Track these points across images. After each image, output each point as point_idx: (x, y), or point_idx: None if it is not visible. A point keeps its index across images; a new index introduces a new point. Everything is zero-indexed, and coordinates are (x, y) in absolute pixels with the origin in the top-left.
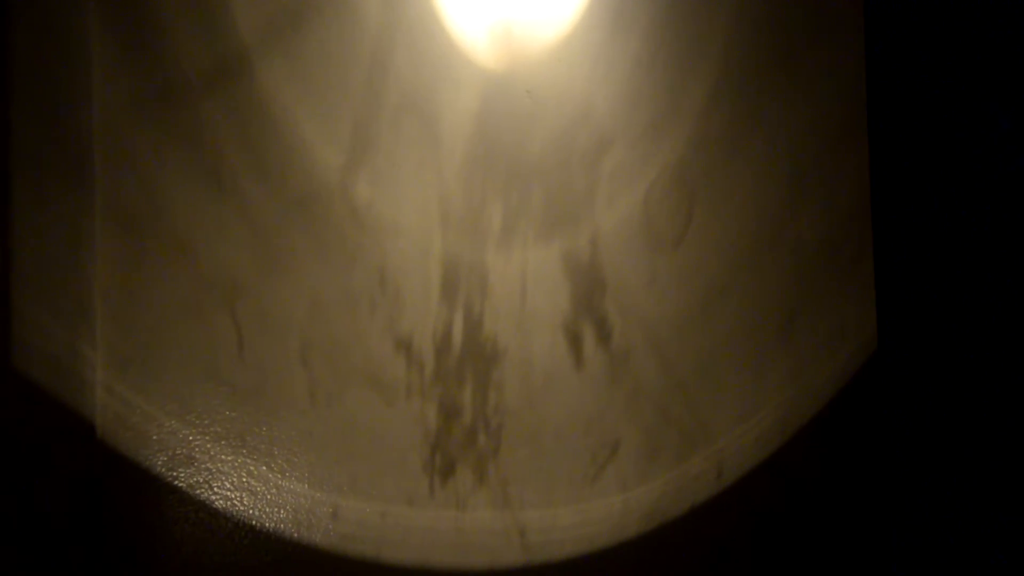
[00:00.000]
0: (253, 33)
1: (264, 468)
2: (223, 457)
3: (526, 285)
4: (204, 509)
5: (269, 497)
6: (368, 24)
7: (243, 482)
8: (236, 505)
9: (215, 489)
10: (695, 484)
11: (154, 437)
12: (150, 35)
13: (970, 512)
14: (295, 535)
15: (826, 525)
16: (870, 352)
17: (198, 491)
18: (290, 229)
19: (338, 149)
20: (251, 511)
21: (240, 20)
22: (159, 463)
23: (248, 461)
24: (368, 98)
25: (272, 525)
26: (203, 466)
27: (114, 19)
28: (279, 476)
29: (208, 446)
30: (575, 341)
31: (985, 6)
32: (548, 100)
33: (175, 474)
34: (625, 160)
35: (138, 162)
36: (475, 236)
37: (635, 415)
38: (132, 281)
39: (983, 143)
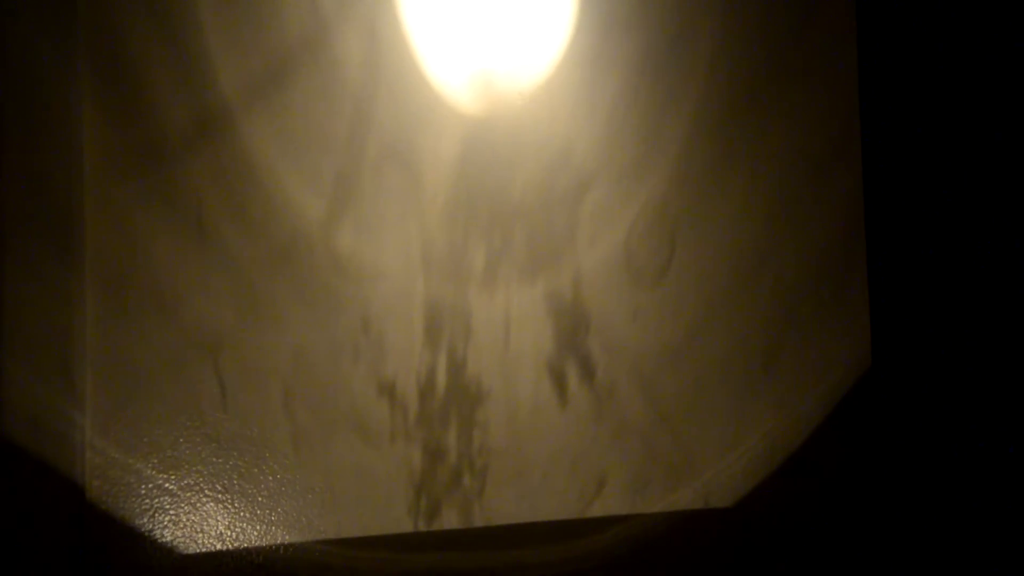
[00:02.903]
0: (236, 90)
1: (250, 517)
2: (209, 508)
3: (510, 326)
4: (193, 563)
5: (256, 546)
6: (349, 77)
7: (230, 532)
8: (224, 556)
9: (202, 541)
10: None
11: (142, 494)
12: (136, 96)
13: (964, 537)
14: None
15: (815, 554)
16: (855, 380)
17: (186, 544)
18: (273, 280)
19: (321, 200)
20: (239, 561)
21: (223, 78)
22: (147, 520)
23: (234, 511)
24: (350, 149)
25: (259, 574)
26: (189, 518)
27: (102, 81)
28: (265, 525)
29: (193, 498)
30: (559, 379)
31: (979, 40)
32: (529, 144)
33: (162, 529)
34: (606, 200)
35: (124, 220)
36: (458, 279)
37: (621, 450)
38: (116, 337)
39: (974, 168)
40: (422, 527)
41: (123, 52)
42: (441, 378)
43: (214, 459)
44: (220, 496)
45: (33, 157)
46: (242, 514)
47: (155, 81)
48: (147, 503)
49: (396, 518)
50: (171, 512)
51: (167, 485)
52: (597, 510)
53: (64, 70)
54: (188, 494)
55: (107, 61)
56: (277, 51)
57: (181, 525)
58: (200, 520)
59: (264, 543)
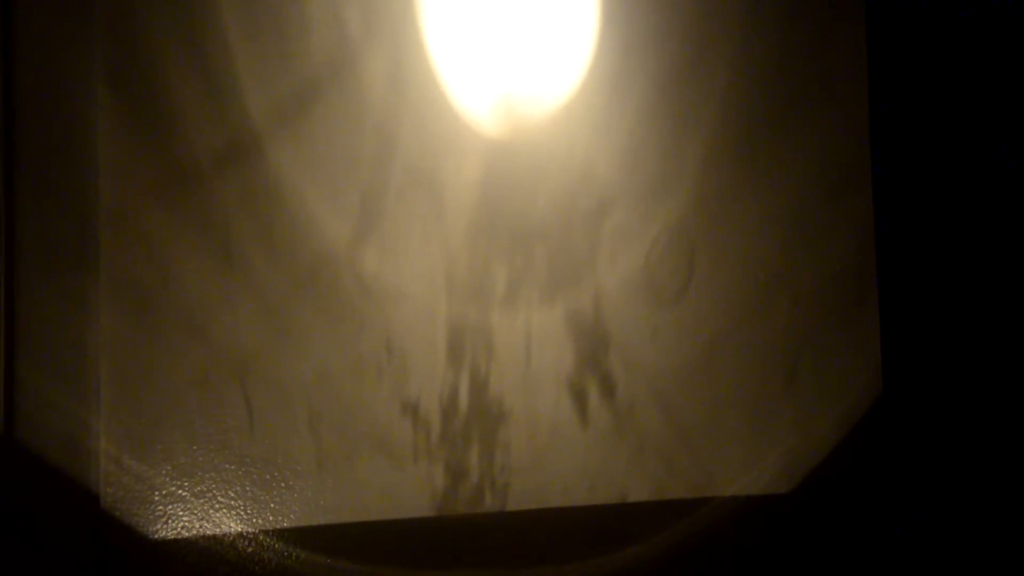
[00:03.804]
0: (263, 115)
1: (272, 537)
2: (231, 526)
3: (531, 345)
4: (206, 570)
5: (278, 566)
6: (374, 101)
7: (252, 551)
8: (237, 563)
9: (223, 559)
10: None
11: (160, 508)
12: (163, 119)
13: (979, 557)
14: None
15: (834, 574)
16: (874, 398)
17: (206, 561)
18: (299, 301)
19: (346, 222)
20: (252, 570)
21: (250, 103)
22: (165, 534)
23: (256, 530)
24: (374, 172)
25: None
26: (211, 536)
27: (127, 103)
28: (288, 544)
29: (216, 516)
30: (580, 398)
31: (989, 63)
32: (550, 166)
33: (182, 545)
34: (626, 220)
35: (149, 240)
36: (480, 300)
37: (641, 468)
38: (143, 355)
39: (985, 193)
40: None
41: (147, 73)
42: (463, 397)
43: (239, 475)
44: (233, 504)
45: (49, 174)
46: (257, 523)
47: (180, 104)
48: (160, 510)
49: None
50: (185, 520)
51: (180, 492)
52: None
53: (83, 92)
54: (201, 502)
55: (130, 83)
56: (304, 76)
57: (195, 533)
58: (213, 528)
59: (286, 561)
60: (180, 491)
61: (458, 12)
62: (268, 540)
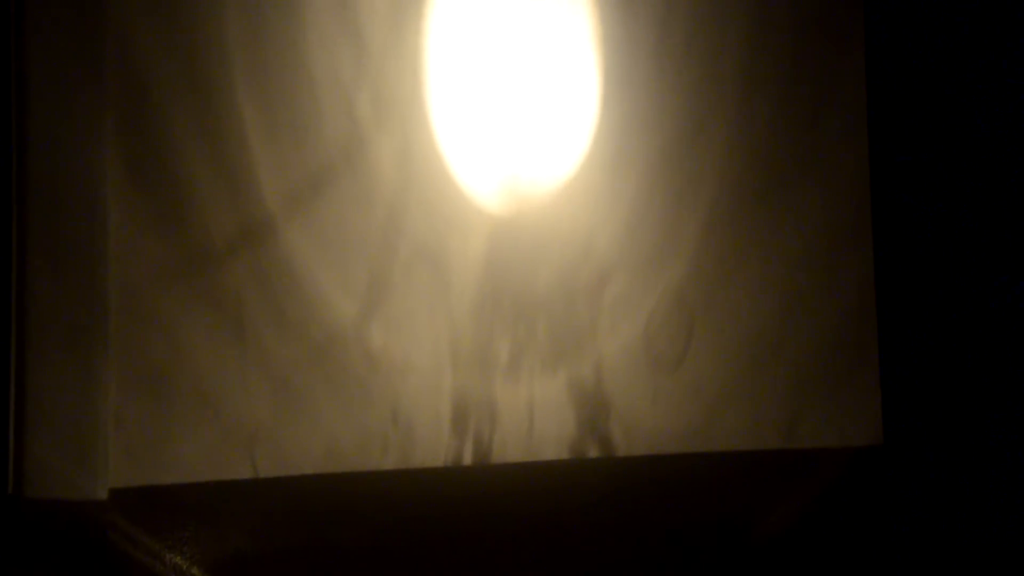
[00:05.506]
0: (277, 199)
1: None
2: None
3: (533, 414)
4: None
5: None
6: (384, 184)
7: None
8: None
9: None
10: None
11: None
12: (177, 204)
13: None
14: None
15: None
16: (873, 456)
17: None
18: (308, 377)
19: (354, 299)
20: None
21: (265, 188)
22: None
23: None
24: (383, 251)
25: None
26: None
27: (140, 186)
28: None
29: None
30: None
31: (995, 128)
32: (552, 241)
33: None
34: (626, 290)
35: (160, 318)
36: (484, 371)
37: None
38: (152, 431)
39: (985, 253)
40: None
41: (161, 159)
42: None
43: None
44: None
45: (60, 253)
46: None
47: (193, 189)
48: None
49: None
50: None
51: (188, 567)
52: None
53: (95, 174)
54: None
55: (143, 167)
56: (316, 161)
57: None
58: None
59: None
60: (187, 566)
61: (464, 99)
62: None
